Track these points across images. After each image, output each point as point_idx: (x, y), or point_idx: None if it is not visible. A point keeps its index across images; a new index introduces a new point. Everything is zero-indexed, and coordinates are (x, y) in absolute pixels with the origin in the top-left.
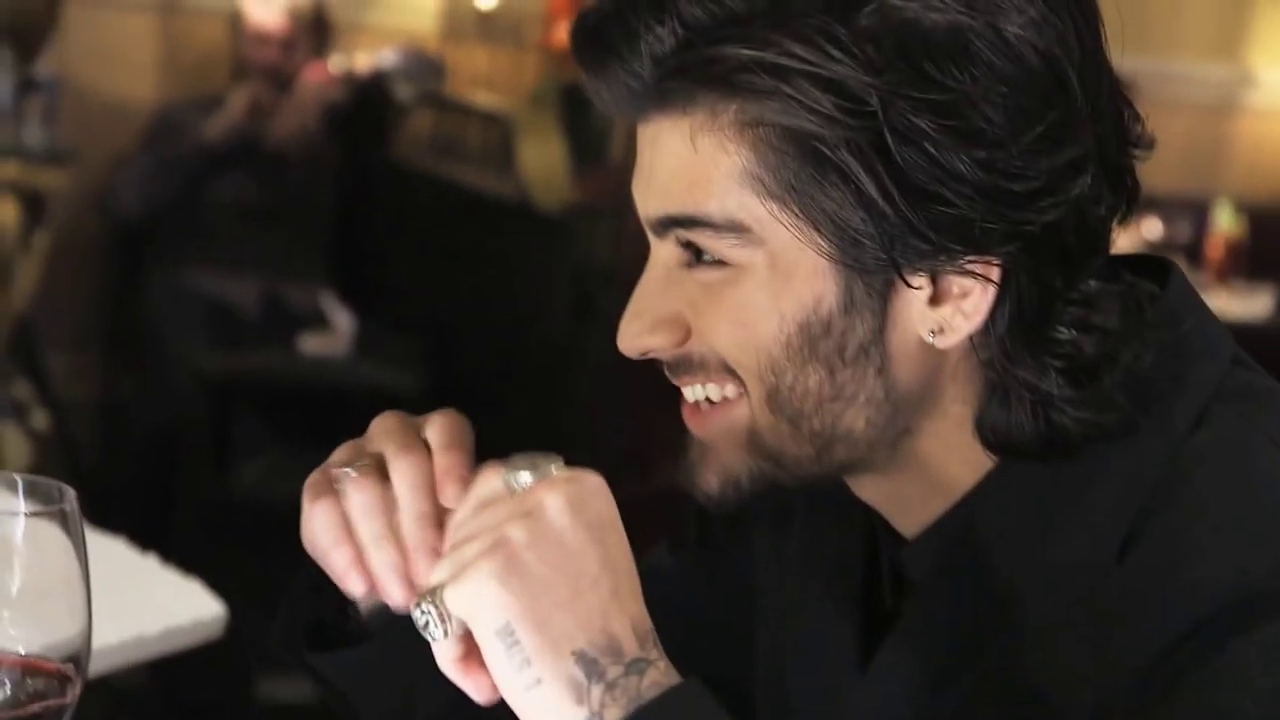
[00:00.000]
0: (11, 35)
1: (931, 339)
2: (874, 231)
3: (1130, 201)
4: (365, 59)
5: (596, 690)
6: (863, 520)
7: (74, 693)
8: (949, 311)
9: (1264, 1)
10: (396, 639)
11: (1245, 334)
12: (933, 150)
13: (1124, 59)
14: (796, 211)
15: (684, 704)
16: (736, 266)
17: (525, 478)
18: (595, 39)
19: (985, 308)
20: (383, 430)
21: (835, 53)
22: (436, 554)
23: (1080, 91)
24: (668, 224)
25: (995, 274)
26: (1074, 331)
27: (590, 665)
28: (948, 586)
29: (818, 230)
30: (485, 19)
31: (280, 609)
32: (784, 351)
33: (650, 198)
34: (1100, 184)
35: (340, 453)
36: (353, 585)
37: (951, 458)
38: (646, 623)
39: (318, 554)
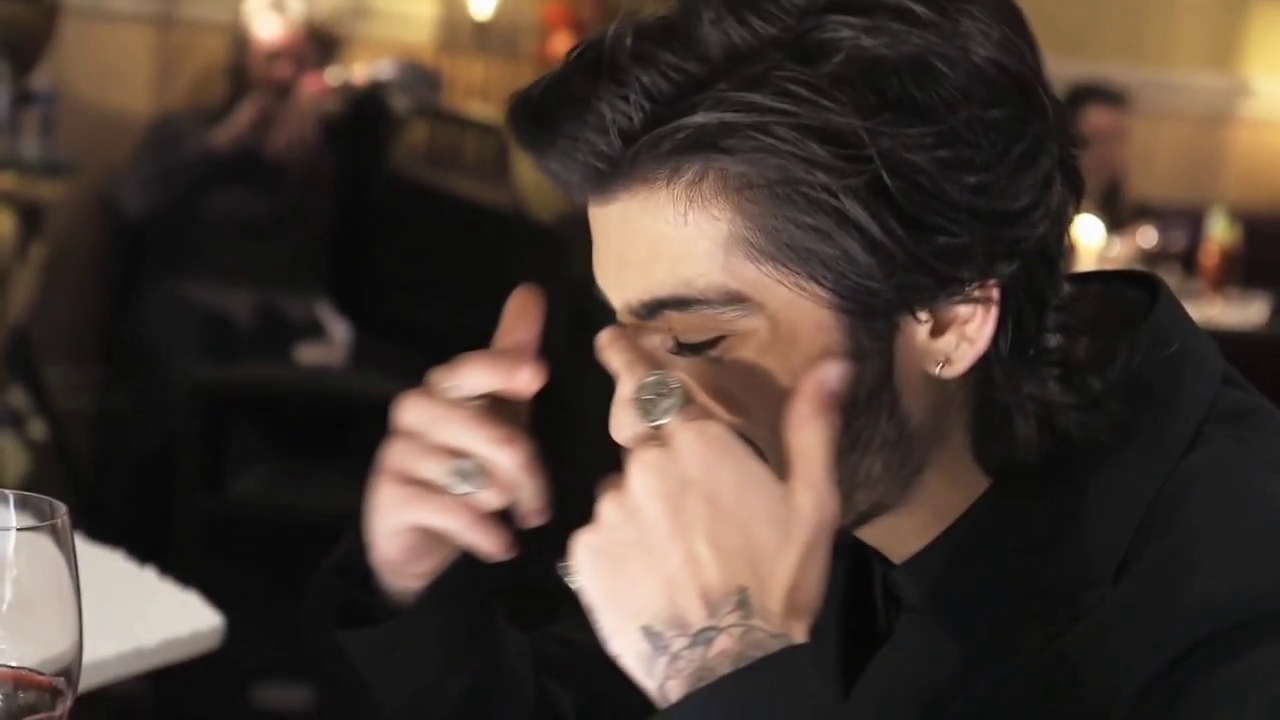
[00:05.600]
0: (8, 48)
1: (938, 370)
2: (879, 273)
3: (1079, 197)
4: (362, 71)
5: (661, 662)
6: (852, 540)
7: (65, 706)
8: (953, 341)
9: (1258, 12)
10: (424, 619)
11: (1240, 342)
12: (928, 183)
13: (1121, 71)
14: (795, 267)
15: (750, 679)
16: (738, 335)
17: (642, 421)
18: (552, 120)
19: (989, 330)
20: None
21: (822, 100)
22: None
23: (1049, 104)
24: (656, 308)
25: (995, 295)
26: (1061, 336)
27: (655, 639)
28: (940, 607)
29: (817, 282)
30: (481, 31)
31: (307, 591)
32: None
33: (628, 284)
34: (1065, 189)
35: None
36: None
37: (951, 488)
38: (731, 583)
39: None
